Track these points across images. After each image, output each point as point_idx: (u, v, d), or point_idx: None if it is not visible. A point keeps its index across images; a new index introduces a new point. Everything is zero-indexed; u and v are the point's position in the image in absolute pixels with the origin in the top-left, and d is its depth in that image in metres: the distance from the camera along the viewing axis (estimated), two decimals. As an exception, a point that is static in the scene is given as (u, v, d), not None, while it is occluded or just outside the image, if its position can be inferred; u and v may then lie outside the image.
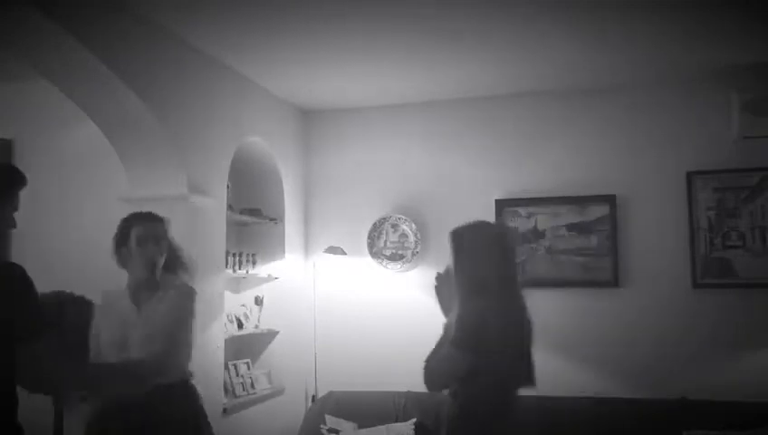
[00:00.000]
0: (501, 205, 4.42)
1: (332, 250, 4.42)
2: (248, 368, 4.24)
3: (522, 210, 4.40)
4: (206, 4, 3.09)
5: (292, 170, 4.63)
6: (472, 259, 2.37)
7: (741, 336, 4.00)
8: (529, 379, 2.38)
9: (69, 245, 3.83)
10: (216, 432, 3.64)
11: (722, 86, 4.06)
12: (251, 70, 3.98)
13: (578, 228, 4.30)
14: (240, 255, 4.20)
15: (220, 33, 3.43)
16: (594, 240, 4.26)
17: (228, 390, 3.96)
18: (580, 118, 4.39)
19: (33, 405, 2.97)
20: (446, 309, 2.43)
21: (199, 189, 3.53)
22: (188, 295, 2.67)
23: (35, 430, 3.09)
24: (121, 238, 2.65)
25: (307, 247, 4.76)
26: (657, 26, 3.38)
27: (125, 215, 2.73)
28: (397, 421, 3.96)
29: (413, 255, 4.51)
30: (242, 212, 4.22)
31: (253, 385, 4.16)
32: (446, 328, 2.34)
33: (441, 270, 2.54)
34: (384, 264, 4.57)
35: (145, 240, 2.61)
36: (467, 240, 2.42)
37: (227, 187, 3.89)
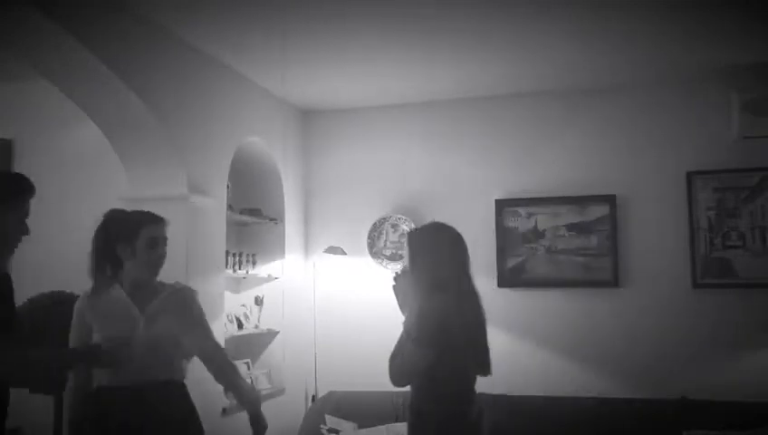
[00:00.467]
0: (501, 205, 4.42)
1: (332, 250, 4.42)
2: (248, 368, 4.24)
3: (522, 210, 4.40)
4: (205, 4, 3.09)
5: (292, 170, 4.63)
6: (429, 259, 2.52)
7: (741, 336, 4.00)
8: (485, 368, 2.61)
9: (69, 245, 3.80)
10: (217, 432, 3.64)
11: (722, 86, 4.06)
12: (251, 70, 3.98)
13: (578, 228, 4.30)
14: (240, 255, 4.20)
15: (220, 33, 3.43)
16: (594, 240, 4.26)
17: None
18: (580, 118, 4.39)
19: (33, 405, 2.98)
20: (403, 307, 2.56)
21: (199, 189, 3.53)
22: (194, 298, 2.67)
23: (35, 430, 3.10)
24: (126, 236, 2.56)
25: (307, 247, 4.76)
26: (657, 26, 3.38)
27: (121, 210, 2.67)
28: (397, 421, 3.95)
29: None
30: (242, 212, 4.22)
31: (253, 385, 4.16)
32: (406, 326, 2.45)
33: None
34: (384, 264, 4.57)
35: (156, 242, 2.57)
36: (424, 241, 2.59)
37: (227, 187, 3.89)
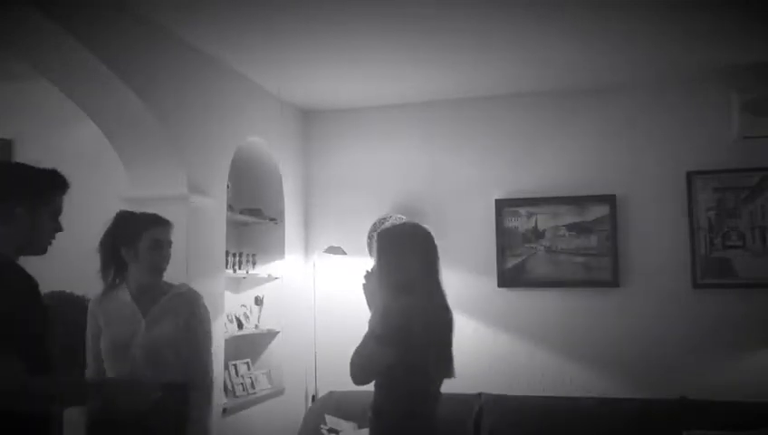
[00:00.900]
0: (501, 205, 4.42)
1: (332, 250, 4.42)
2: (248, 368, 4.24)
3: (522, 210, 4.40)
4: (205, 5, 3.09)
5: (292, 170, 4.63)
6: (396, 259, 2.52)
7: (741, 336, 4.00)
8: (449, 370, 2.53)
9: (69, 245, 3.81)
10: (216, 432, 3.64)
11: (722, 86, 4.06)
12: (251, 70, 3.98)
13: (578, 228, 4.30)
14: (240, 255, 4.20)
15: (220, 33, 3.43)
16: (594, 240, 4.26)
17: (228, 390, 3.96)
18: (580, 118, 4.39)
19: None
20: (371, 306, 2.56)
21: (199, 189, 3.53)
22: (198, 303, 2.64)
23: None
24: (130, 238, 2.56)
25: (307, 247, 4.76)
26: (657, 26, 3.38)
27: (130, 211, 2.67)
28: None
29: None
30: (242, 212, 4.22)
31: (253, 385, 4.16)
32: (370, 324, 2.44)
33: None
34: (384, 264, 4.56)
35: (158, 245, 2.56)
36: (392, 241, 2.57)
37: (227, 187, 3.89)
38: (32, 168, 2.09)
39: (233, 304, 4.22)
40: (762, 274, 3.99)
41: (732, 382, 3.91)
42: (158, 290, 2.59)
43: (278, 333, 4.41)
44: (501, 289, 4.38)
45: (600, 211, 4.27)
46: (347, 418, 4.05)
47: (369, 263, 4.61)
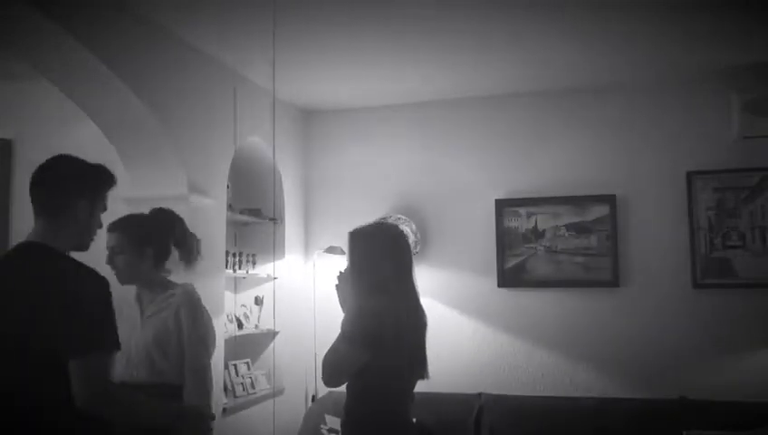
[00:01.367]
0: (501, 205, 4.42)
1: (332, 250, 4.42)
2: (248, 368, 4.24)
3: (522, 210, 4.40)
4: (206, 5, 3.09)
5: (291, 170, 4.63)
6: (367, 259, 2.47)
7: (741, 336, 4.00)
8: (422, 372, 2.48)
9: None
10: (217, 432, 3.64)
11: (722, 86, 4.06)
12: (251, 70, 3.98)
13: (578, 228, 4.30)
14: (240, 255, 4.20)
15: (220, 34, 3.43)
16: (594, 240, 4.26)
17: (228, 390, 3.96)
18: (580, 118, 4.39)
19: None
20: (343, 307, 2.51)
21: (199, 189, 3.53)
22: (189, 305, 2.51)
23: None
24: (146, 239, 2.53)
25: (307, 247, 4.76)
26: (656, 27, 3.38)
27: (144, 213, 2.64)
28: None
29: (413, 255, 4.49)
30: (242, 212, 4.22)
31: (253, 385, 4.16)
32: (343, 326, 2.40)
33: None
34: (384, 264, 4.56)
35: (111, 251, 2.52)
36: (364, 241, 2.51)
37: (227, 187, 3.89)
38: (85, 162, 2.03)
39: (233, 304, 4.22)
40: (762, 274, 3.99)
41: (732, 382, 3.91)
42: (162, 287, 2.56)
43: (278, 333, 4.41)
44: (501, 289, 4.38)
45: (600, 211, 4.27)
46: (347, 418, 4.05)
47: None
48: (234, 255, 4.11)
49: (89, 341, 1.79)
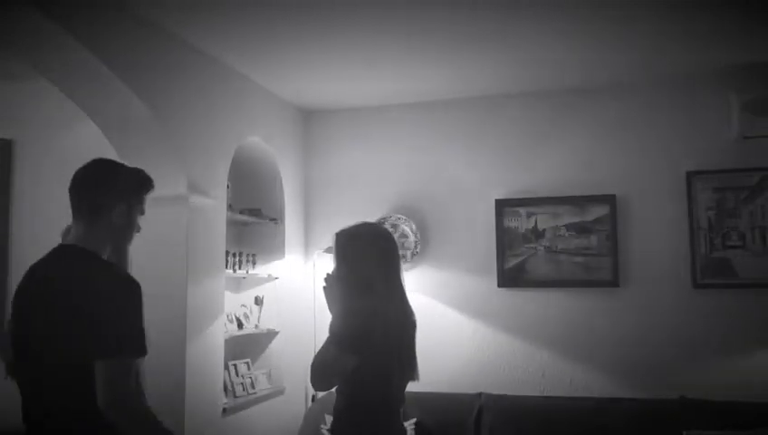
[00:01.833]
0: (501, 205, 4.42)
1: (332, 250, 4.41)
2: (248, 368, 4.24)
3: (522, 210, 4.40)
4: (207, 5, 3.09)
5: (292, 170, 4.63)
6: (353, 260, 2.46)
7: (741, 336, 3.99)
8: (412, 373, 2.47)
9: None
10: (216, 432, 3.65)
11: (722, 86, 4.06)
12: (251, 70, 3.98)
13: (578, 228, 4.31)
14: (240, 255, 4.20)
15: (221, 34, 3.44)
16: (594, 240, 4.27)
17: (228, 390, 3.96)
18: (580, 118, 4.39)
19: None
20: (331, 309, 2.51)
21: (199, 189, 3.53)
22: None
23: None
24: None
25: (307, 247, 4.76)
26: (656, 26, 3.38)
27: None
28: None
29: (413, 255, 4.50)
30: (242, 212, 4.22)
31: (253, 385, 4.16)
32: (331, 328, 2.39)
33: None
34: (384, 264, 4.56)
35: None
36: (350, 241, 2.50)
37: (227, 187, 3.89)
38: (124, 165, 2.09)
39: (233, 304, 4.22)
40: (762, 274, 3.99)
41: (732, 382, 3.91)
42: None
43: (278, 333, 4.41)
44: (501, 289, 4.39)
45: (600, 211, 4.27)
46: (347, 418, 4.05)
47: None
48: (234, 255, 4.11)
49: (116, 343, 1.82)
